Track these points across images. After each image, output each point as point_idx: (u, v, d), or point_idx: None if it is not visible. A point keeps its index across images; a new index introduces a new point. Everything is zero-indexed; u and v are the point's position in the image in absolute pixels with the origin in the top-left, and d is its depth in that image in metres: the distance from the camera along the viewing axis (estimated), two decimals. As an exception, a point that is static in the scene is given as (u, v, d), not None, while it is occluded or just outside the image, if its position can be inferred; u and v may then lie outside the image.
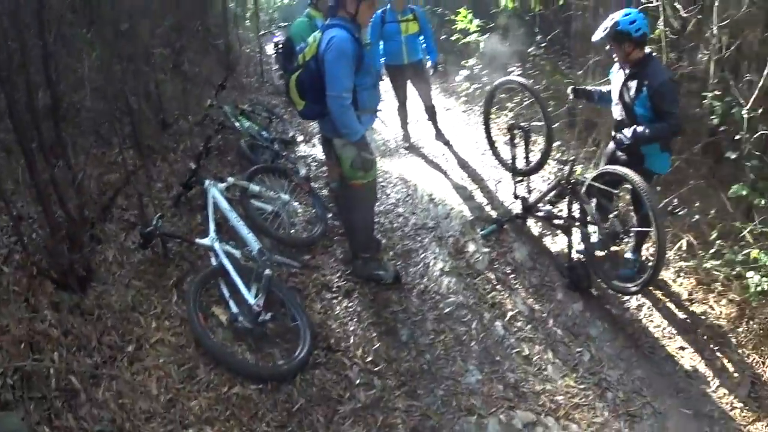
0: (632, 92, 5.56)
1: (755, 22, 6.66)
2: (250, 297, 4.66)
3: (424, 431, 4.50)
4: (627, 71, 5.62)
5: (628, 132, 5.53)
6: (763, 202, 6.16)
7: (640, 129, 5.47)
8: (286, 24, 13.21)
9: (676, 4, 7.02)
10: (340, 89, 4.88)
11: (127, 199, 5.83)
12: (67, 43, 6.54)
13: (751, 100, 6.32)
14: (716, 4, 6.48)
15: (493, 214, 7.15)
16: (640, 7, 7.15)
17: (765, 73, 6.33)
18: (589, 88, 6.40)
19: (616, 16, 5.44)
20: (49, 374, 3.69)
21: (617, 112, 5.83)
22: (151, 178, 6.04)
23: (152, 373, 4.05)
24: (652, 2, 7.07)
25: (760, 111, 6.41)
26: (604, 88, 6.23)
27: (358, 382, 4.69)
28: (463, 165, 8.39)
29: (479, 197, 7.54)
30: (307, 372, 4.58)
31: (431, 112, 8.95)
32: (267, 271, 4.80)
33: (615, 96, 5.84)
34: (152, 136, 7.02)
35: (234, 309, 4.63)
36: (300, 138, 9.08)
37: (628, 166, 5.66)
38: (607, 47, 5.95)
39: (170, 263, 5.17)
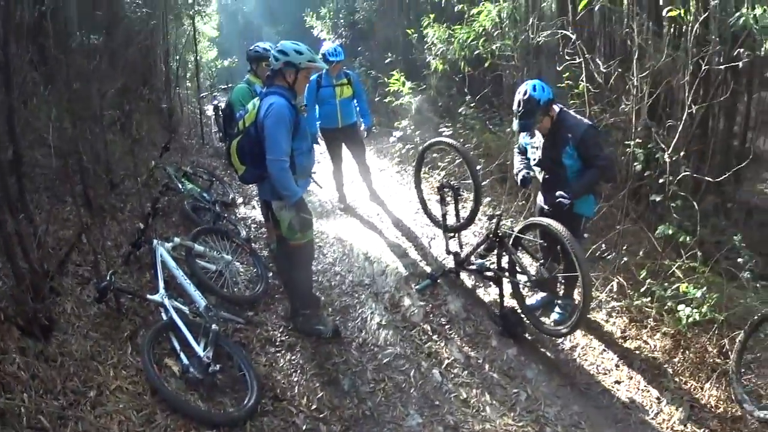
0: (557, 147, 5.83)
1: (675, 69, 7.15)
2: (199, 350, 4.85)
3: (370, 473, 4.70)
4: (545, 131, 5.93)
5: (566, 193, 5.74)
6: (689, 239, 6.56)
7: (575, 186, 5.76)
8: (227, 86, 13.41)
9: (597, 59, 7.47)
10: (280, 153, 5.12)
11: (81, 255, 5.96)
12: (27, 100, 6.73)
13: (672, 144, 6.75)
14: (635, 56, 6.95)
15: (427, 269, 7.40)
16: (563, 65, 7.66)
17: (683, 117, 6.80)
18: (523, 171, 6.41)
19: (528, 94, 5.70)
20: (20, 413, 3.83)
21: (543, 173, 6.14)
22: (103, 235, 6.17)
23: (114, 417, 4.18)
24: (575, 59, 7.52)
25: (681, 154, 6.86)
26: (526, 157, 6.45)
27: (304, 428, 4.86)
28: (397, 224, 8.66)
29: (413, 254, 7.78)
30: (256, 419, 4.74)
31: (366, 174, 9.18)
32: (214, 326, 5.01)
33: (537, 157, 6.11)
34: (102, 195, 7.15)
35: (185, 361, 4.80)
36: (240, 200, 9.28)
37: (558, 211, 5.94)
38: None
39: (123, 317, 5.31)
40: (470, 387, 5.68)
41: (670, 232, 6.57)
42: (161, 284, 5.40)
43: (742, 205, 10.54)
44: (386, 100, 11.41)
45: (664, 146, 6.84)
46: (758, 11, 6.25)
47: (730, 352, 6.03)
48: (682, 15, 6.55)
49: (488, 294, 7.11)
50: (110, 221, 6.93)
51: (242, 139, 5.33)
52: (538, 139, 6.07)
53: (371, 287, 7.00)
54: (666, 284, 6.58)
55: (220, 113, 11.49)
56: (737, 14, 6.43)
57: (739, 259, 6.59)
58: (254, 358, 5.49)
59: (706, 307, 6.08)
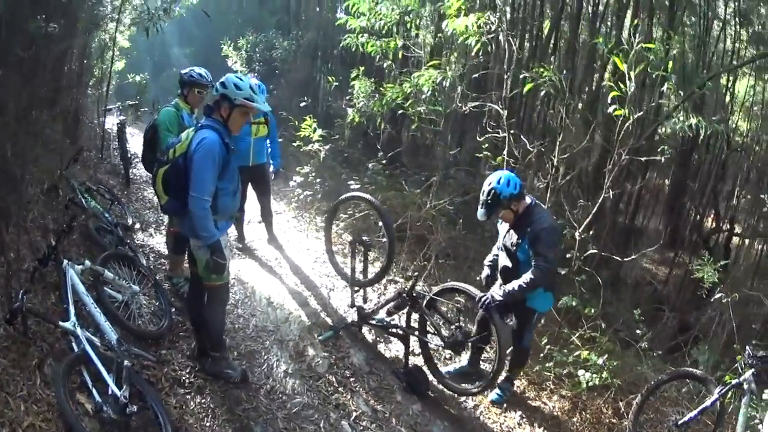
0: (514, 239, 5.92)
1: (590, 155, 7.46)
2: (114, 387, 4.44)
3: None
4: (508, 225, 6.01)
5: (499, 291, 5.88)
6: (593, 310, 6.81)
7: (509, 287, 5.82)
8: (134, 103, 12.86)
9: (522, 136, 7.66)
10: (203, 192, 4.87)
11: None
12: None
13: (584, 224, 6.99)
14: (559, 139, 7.15)
15: (329, 320, 7.31)
16: (484, 136, 7.78)
17: (599, 199, 7.05)
18: (488, 268, 6.57)
19: (491, 185, 5.77)
20: None
21: (503, 258, 6.18)
22: (17, 248, 5.66)
23: None
24: (498, 132, 7.66)
25: (591, 233, 7.11)
26: (490, 257, 6.56)
27: (222, 475, 4.56)
28: (297, 271, 8.49)
29: (314, 303, 7.66)
30: (173, 466, 4.40)
31: (267, 215, 8.98)
32: (126, 363, 4.62)
33: (500, 243, 6.19)
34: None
35: (98, 398, 4.37)
36: (137, 225, 8.78)
37: (513, 307, 6.11)
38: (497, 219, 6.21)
39: (30, 343, 4.80)
40: (379, 440, 5.60)
41: (574, 303, 7.02)
42: (72, 310, 4.90)
43: (627, 278, 11.18)
44: (293, 144, 11.18)
45: (575, 224, 7.07)
46: (693, 120, 6.88)
47: (625, 414, 6.56)
48: (626, 114, 6.88)
49: (389, 350, 7.15)
50: (13, 228, 6.22)
51: (169, 169, 5.03)
52: (504, 227, 6.14)
53: (275, 333, 6.78)
54: (566, 351, 7.07)
55: (125, 130, 11.02)
56: (672, 120, 6.86)
57: (638, 331, 7.31)
58: (165, 400, 5.12)
59: (606, 372, 6.58)
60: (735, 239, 12.91)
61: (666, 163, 9.22)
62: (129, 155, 10.36)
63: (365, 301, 7.49)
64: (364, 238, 7.27)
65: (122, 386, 4.46)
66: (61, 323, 4.80)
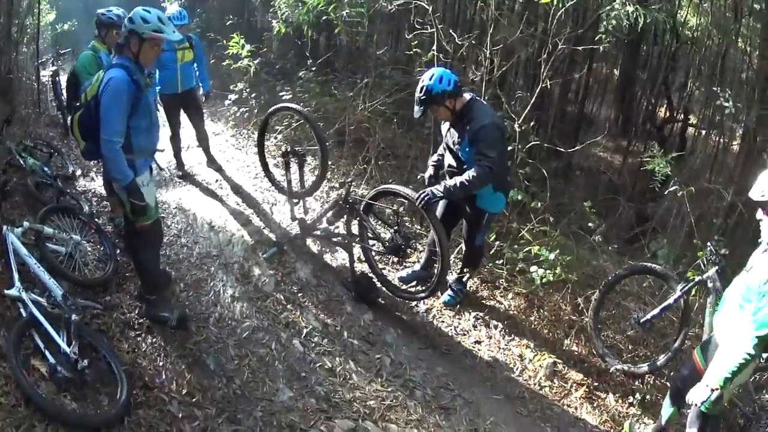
0: (456, 138, 5.82)
1: (526, 45, 7.49)
2: (64, 345, 4.57)
3: (255, 452, 4.69)
4: (449, 120, 5.89)
5: (440, 186, 5.78)
6: (539, 204, 6.92)
7: (450, 183, 5.74)
8: (66, 51, 12.59)
9: (451, 30, 7.66)
10: (110, 133, 4.80)
11: None
12: None
13: (524, 114, 7.08)
14: (491, 30, 7.18)
15: (273, 236, 7.40)
16: (413, 33, 7.78)
17: (536, 90, 7.14)
18: (432, 167, 6.45)
19: (424, 82, 5.66)
20: None
21: (448, 158, 6.09)
22: None
23: None
24: (426, 29, 7.67)
25: (531, 124, 7.21)
26: (434, 157, 6.46)
27: (180, 415, 4.75)
28: (237, 190, 8.57)
29: (257, 221, 7.76)
30: (132, 413, 4.58)
31: (203, 139, 9.01)
32: (74, 317, 4.72)
33: (444, 143, 6.10)
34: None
35: (51, 359, 4.49)
36: (78, 172, 8.73)
37: (464, 207, 6.17)
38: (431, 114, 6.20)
39: None
40: (333, 355, 5.81)
41: (520, 197, 6.95)
42: (16, 276, 4.96)
43: (579, 168, 11.28)
44: (224, 64, 11.09)
45: (514, 116, 7.17)
46: (630, 8, 6.75)
47: (585, 310, 6.57)
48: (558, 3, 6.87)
49: (336, 259, 7.28)
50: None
51: (83, 113, 5.00)
52: (446, 125, 6.04)
53: (219, 258, 6.87)
54: (516, 247, 7.06)
55: (58, 79, 10.81)
56: (608, 7, 6.89)
57: (590, 224, 7.25)
58: (116, 346, 5.24)
59: (559, 268, 6.56)
60: (690, 130, 12.95)
61: (613, 52, 9.19)
62: (65, 104, 10.28)
63: (306, 212, 7.50)
64: (296, 148, 7.27)
65: (72, 342, 4.59)
66: (6, 292, 4.89)
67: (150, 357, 5.31)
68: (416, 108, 5.80)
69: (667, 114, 13.38)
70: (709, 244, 5.82)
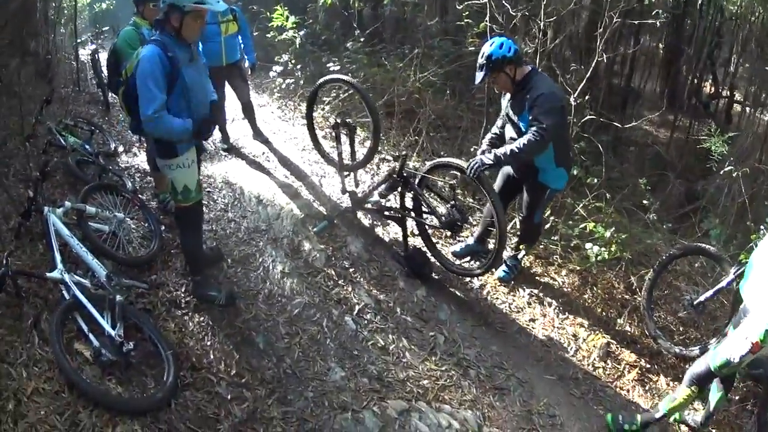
0: (517, 109, 5.70)
1: (579, 19, 7.25)
2: (108, 327, 4.43)
3: (306, 435, 4.56)
4: (509, 90, 5.76)
5: (490, 155, 5.62)
6: (596, 180, 6.68)
7: (501, 150, 5.58)
8: (105, 30, 12.55)
9: (503, 1, 7.42)
10: (148, 107, 4.62)
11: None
12: None
13: (579, 88, 6.84)
14: (544, 1, 6.93)
15: (322, 210, 7.24)
16: (464, 4, 7.55)
17: (593, 63, 6.89)
18: (487, 144, 6.22)
19: (485, 51, 5.54)
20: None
21: (509, 131, 5.94)
22: None
23: (39, 429, 3.76)
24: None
25: (586, 97, 6.97)
26: (494, 129, 6.27)
27: (229, 397, 4.64)
28: (285, 163, 8.39)
29: (306, 194, 7.58)
30: (179, 395, 4.46)
31: (249, 112, 8.84)
32: (119, 297, 4.60)
33: (504, 114, 5.96)
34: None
35: (95, 342, 4.36)
36: (120, 149, 8.63)
37: (525, 181, 6.01)
38: (493, 84, 5.98)
39: (24, 303, 4.73)
40: (386, 333, 5.65)
41: (575, 172, 6.77)
42: (58, 258, 4.84)
43: (629, 142, 10.98)
44: (268, 36, 10.84)
45: (569, 89, 6.93)
46: None
47: (638, 289, 6.42)
48: None
49: (387, 233, 7.09)
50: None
51: (125, 90, 4.85)
52: (506, 98, 5.91)
53: (268, 233, 6.72)
54: (570, 222, 6.91)
55: (97, 57, 10.77)
56: None
57: (644, 201, 7.10)
58: (162, 325, 5.12)
59: (615, 246, 6.41)
60: (736, 107, 12.57)
61: (659, 26, 8.91)
62: (105, 81, 10.16)
63: (357, 185, 7.37)
64: (347, 120, 7.06)
65: (116, 324, 4.46)
66: (48, 275, 4.76)
67: (197, 336, 5.19)
68: (477, 74, 5.67)
69: (713, 90, 13.02)
70: (762, 227, 5.69)
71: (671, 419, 5.14)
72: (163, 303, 5.43)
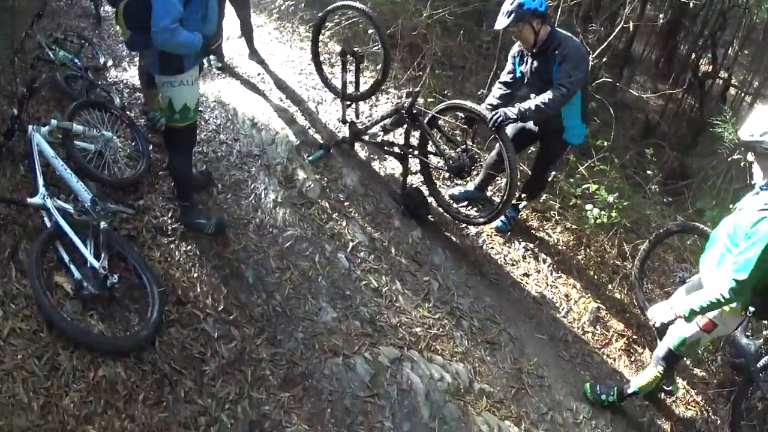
0: (548, 65, 5.51)
1: None
2: (91, 258, 4.21)
3: (296, 379, 4.46)
4: (535, 50, 5.56)
5: (513, 109, 5.46)
6: (605, 143, 6.56)
7: (524, 106, 5.44)
8: None
9: None
10: (166, 20, 4.30)
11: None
12: None
13: (598, 50, 6.65)
14: None
15: (318, 138, 6.96)
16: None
17: (618, 27, 6.66)
18: (496, 97, 6.06)
19: None
20: None
21: (532, 94, 5.72)
22: None
23: (16, 377, 3.55)
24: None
25: (604, 60, 6.79)
26: (503, 79, 6.06)
27: (216, 335, 4.50)
28: (281, 86, 8.01)
29: (302, 120, 7.27)
30: (163, 332, 4.29)
31: (247, 30, 8.42)
32: (103, 224, 4.35)
33: (527, 78, 5.77)
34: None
35: (77, 275, 4.13)
36: (110, 63, 8.11)
37: (546, 136, 5.94)
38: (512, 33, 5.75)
39: (1, 232, 4.44)
40: (379, 274, 5.51)
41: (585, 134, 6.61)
42: (40, 181, 4.55)
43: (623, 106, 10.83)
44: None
45: (588, 49, 6.83)
46: None
47: (630, 257, 6.52)
48: None
49: (384, 168, 6.90)
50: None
51: (130, 2, 4.49)
52: (527, 61, 5.70)
53: (261, 158, 6.44)
54: (572, 180, 6.86)
55: None
56: None
57: (648, 172, 7.17)
58: (147, 254, 4.87)
59: (615, 212, 6.43)
60: (731, 90, 12.41)
61: None
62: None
63: (357, 115, 7.13)
64: (355, 48, 6.75)
65: (100, 255, 4.24)
66: (29, 200, 4.49)
67: (184, 267, 4.97)
68: (501, 19, 5.44)
69: (711, 69, 12.83)
70: (736, 205, 5.54)
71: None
72: (148, 229, 5.15)
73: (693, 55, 13.17)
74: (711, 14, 12.37)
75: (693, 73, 12.43)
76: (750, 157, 4.03)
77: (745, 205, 4.06)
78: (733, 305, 4.10)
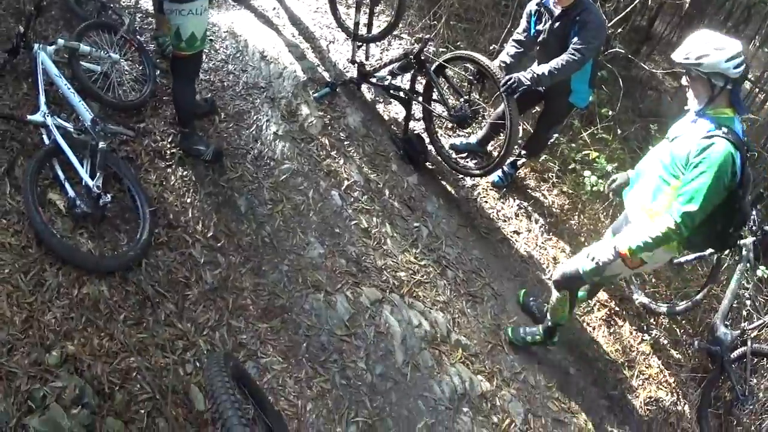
0: (567, 29, 5.47)
1: None
2: (86, 177, 4.29)
3: (275, 311, 4.57)
4: (556, 12, 5.51)
5: (527, 74, 5.42)
6: (610, 112, 6.58)
7: (539, 71, 5.41)
8: None
9: None
10: None
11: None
12: None
13: (615, 20, 6.62)
14: None
15: (326, 76, 6.95)
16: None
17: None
18: (510, 56, 6.00)
19: None
20: None
21: (546, 58, 5.65)
22: None
23: (1, 291, 3.63)
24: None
25: (619, 30, 6.76)
26: (517, 38, 5.99)
27: (202, 260, 4.61)
28: (295, 21, 7.92)
29: (312, 57, 7.24)
30: (151, 254, 4.40)
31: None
32: (102, 145, 4.42)
33: (543, 37, 5.72)
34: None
35: (70, 192, 4.23)
36: None
37: (552, 97, 5.91)
38: None
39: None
40: (370, 215, 5.58)
41: (591, 98, 6.60)
42: (42, 99, 4.61)
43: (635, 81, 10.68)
44: None
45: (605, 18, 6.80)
46: None
47: None
48: None
49: (388, 112, 6.90)
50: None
51: None
52: (546, 24, 5.65)
53: (267, 91, 6.44)
54: (573, 145, 6.88)
55: None
56: None
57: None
58: (143, 177, 4.96)
59: None
60: (747, 85, 12.22)
61: None
62: None
63: (367, 57, 7.14)
64: None
65: (96, 174, 4.32)
66: (29, 117, 4.55)
67: (178, 192, 5.07)
68: None
69: None
70: (754, 211, 5.62)
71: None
72: (147, 152, 5.23)
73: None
74: (736, 7, 12.17)
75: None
76: (684, 81, 3.94)
77: (681, 133, 3.97)
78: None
